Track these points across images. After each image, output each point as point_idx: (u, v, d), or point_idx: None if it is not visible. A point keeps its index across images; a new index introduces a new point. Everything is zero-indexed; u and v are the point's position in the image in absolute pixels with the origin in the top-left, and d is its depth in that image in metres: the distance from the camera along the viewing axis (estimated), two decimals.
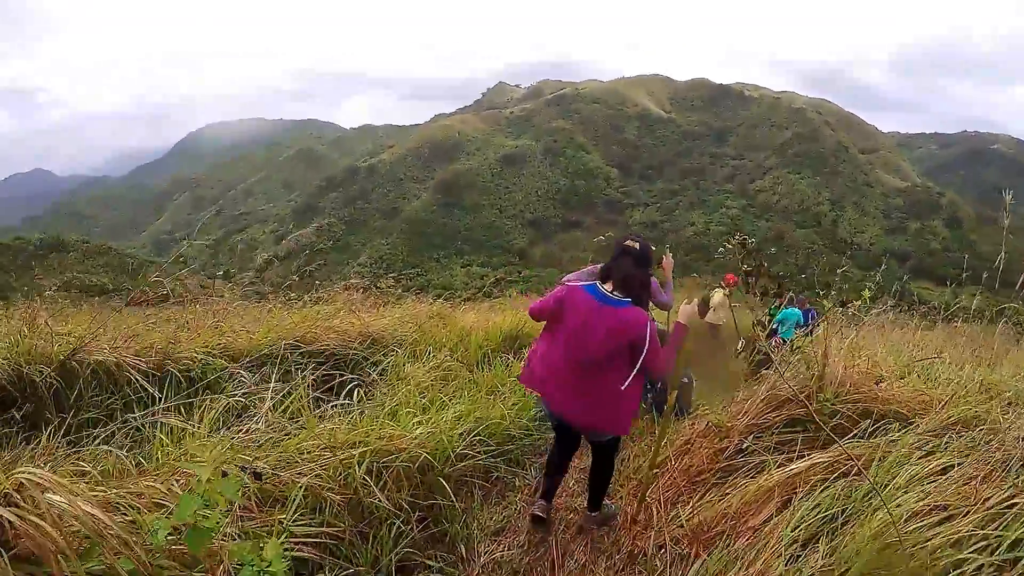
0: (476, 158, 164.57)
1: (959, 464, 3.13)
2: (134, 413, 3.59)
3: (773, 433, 4.22)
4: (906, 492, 2.97)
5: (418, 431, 3.84)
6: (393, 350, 5.64)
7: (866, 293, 4.61)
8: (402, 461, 3.56)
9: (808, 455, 3.67)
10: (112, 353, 3.94)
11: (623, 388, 3.50)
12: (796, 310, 12.27)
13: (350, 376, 4.46)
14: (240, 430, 3.44)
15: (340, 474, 3.26)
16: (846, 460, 3.36)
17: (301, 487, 3.02)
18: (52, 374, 3.73)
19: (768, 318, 12.44)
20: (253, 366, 4.59)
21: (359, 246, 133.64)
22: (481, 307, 10.61)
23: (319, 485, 3.10)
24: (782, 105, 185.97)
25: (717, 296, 12.24)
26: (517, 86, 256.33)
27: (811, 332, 12.08)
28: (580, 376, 3.55)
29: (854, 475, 3.25)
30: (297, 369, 4.51)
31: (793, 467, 3.57)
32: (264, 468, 2.99)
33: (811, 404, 4.05)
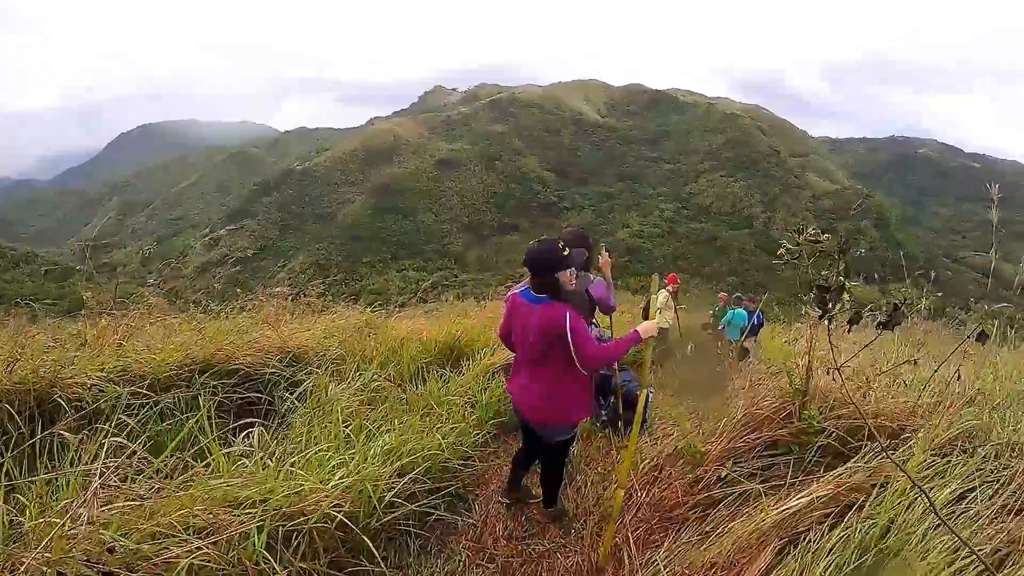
0: (412, 162, 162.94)
1: (977, 490, 2.86)
2: None
3: (754, 457, 3.81)
4: (924, 528, 2.62)
5: (336, 478, 3.25)
6: (317, 368, 5.08)
7: (846, 295, 4.09)
8: (316, 521, 2.96)
9: (798, 482, 3.31)
10: None
11: (559, 382, 3.74)
12: (742, 311, 12.12)
13: (265, 400, 3.86)
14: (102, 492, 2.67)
15: (236, 545, 2.64)
16: (849, 491, 3.00)
17: (180, 570, 2.40)
18: None
19: (712, 319, 12.12)
20: (157, 391, 4.02)
21: (293, 251, 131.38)
22: (416, 315, 9.77)
23: (204, 566, 2.48)
24: (716, 111, 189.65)
25: (661, 297, 11.62)
26: (454, 90, 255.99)
27: (756, 332, 11.94)
28: (530, 374, 3.86)
29: (857, 508, 2.87)
30: (207, 393, 3.97)
31: (790, 504, 3.08)
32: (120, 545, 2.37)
33: (794, 423, 3.76)
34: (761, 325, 12.27)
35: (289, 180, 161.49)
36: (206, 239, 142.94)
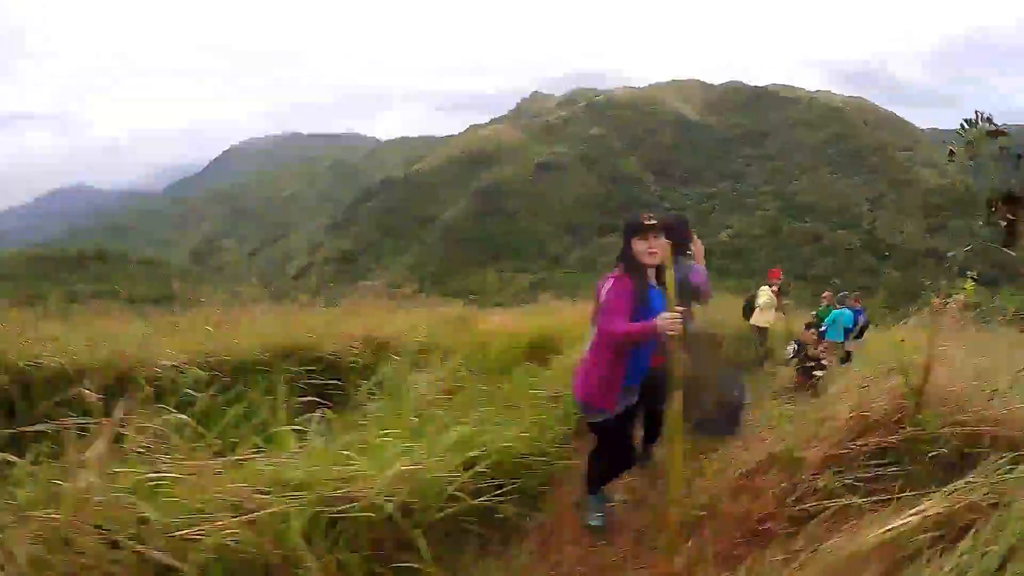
0: (512, 166, 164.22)
1: None
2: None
3: (859, 466, 3.35)
4: None
5: (393, 467, 2.98)
6: (400, 358, 5.01)
7: (969, 286, 3.73)
8: (363, 510, 2.74)
9: (907, 498, 2.82)
10: (69, 360, 3.48)
11: (588, 359, 3.67)
12: (846, 310, 11.51)
13: (344, 387, 3.90)
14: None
15: (270, 528, 2.45)
16: (966, 511, 2.55)
17: (205, 549, 2.24)
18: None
19: (816, 320, 11.71)
20: (237, 374, 4.06)
21: (394, 254, 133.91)
22: (511, 312, 9.62)
23: (232, 546, 2.31)
24: (818, 104, 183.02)
25: (764, 296, 10.93)
26: (551, 95, 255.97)
27: (861, 334, 11.46)
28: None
29: (974, 532, 2.38)
30: (286, 378, 4.01)
31: (895, 523, 2.60)
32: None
33: (906, 428, 3.33)
34: (866, 327, 11.73)
35: (390, 187, 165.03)
36: (311, 243, 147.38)
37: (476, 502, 3.35)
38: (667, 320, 3.10)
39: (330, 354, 4.67)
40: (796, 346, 9.08)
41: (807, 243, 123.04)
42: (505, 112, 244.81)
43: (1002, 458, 2.84)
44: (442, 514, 3.12)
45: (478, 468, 3.47)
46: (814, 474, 3.38)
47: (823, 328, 10.76)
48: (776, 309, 10.91)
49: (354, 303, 6.45)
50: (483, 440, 3.76)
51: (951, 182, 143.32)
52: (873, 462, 3.31)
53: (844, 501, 3.04)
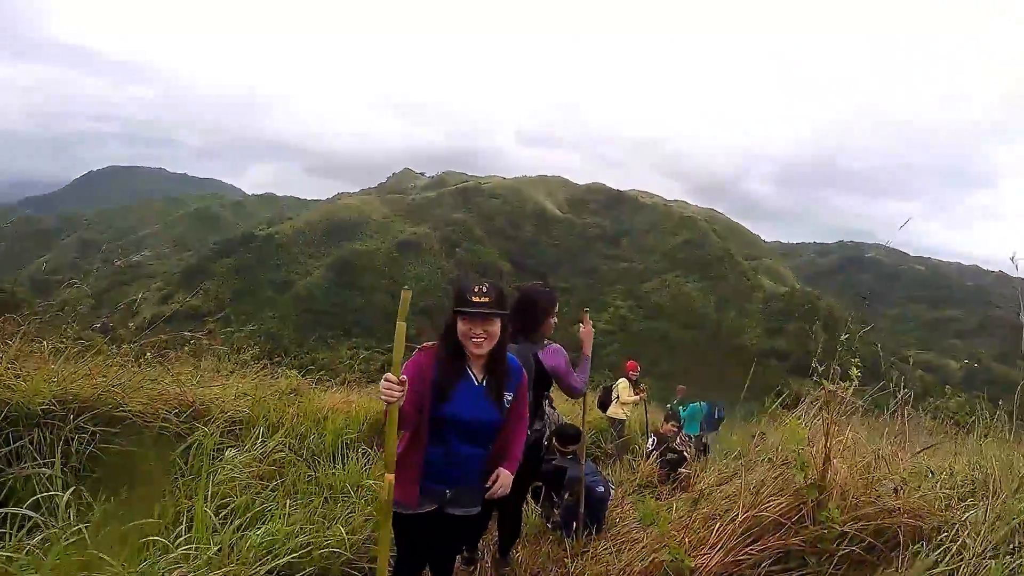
0: (375, 240, 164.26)
1: None
2: None
3: (761, 574, 3.04)
4: None
5: None
6: (224, 428, 4.49)
7: (854, 371, 3.49)
8: None
9: None
10: None
11: None
12: (703, 404, 11.89)
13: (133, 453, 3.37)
14: None
15: None
16: None
17: None
18: None
19: (671, 413, 11.88)
20: (20, 426, 3.44)
21: (246, 317, 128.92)
22: (357, 391, 8.93)
23: None
24: (673, 213, 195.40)
25: (623, 387, 10.86)
26: (422, 174, 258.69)
27: (716, 427, 11.69)
28: None
29: None
30: (81, 439, 3.54)
31: None
32: None
33: (808, 528, 3.04)
34: (721, 420, 11.95)
35: (251, 244, 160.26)
36: (161, 292, 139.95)
37: None
38: (384, 384, 2.55)
39: (135, 414, 3.98)
40: (654, 439, 9.04)
41: (656, 341, 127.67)
42: (375, 184, 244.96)
43: (916, 551, 2.72)
44: None
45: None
46: None
47: (681, 422, 10.86)
48: (638, 398, 10.93)
49: (177, 360, 5.79)
50: (298, 542, 3.27)
51: (791, 290, 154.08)
52: (776, 568, 3.05)
53: None
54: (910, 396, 3.96)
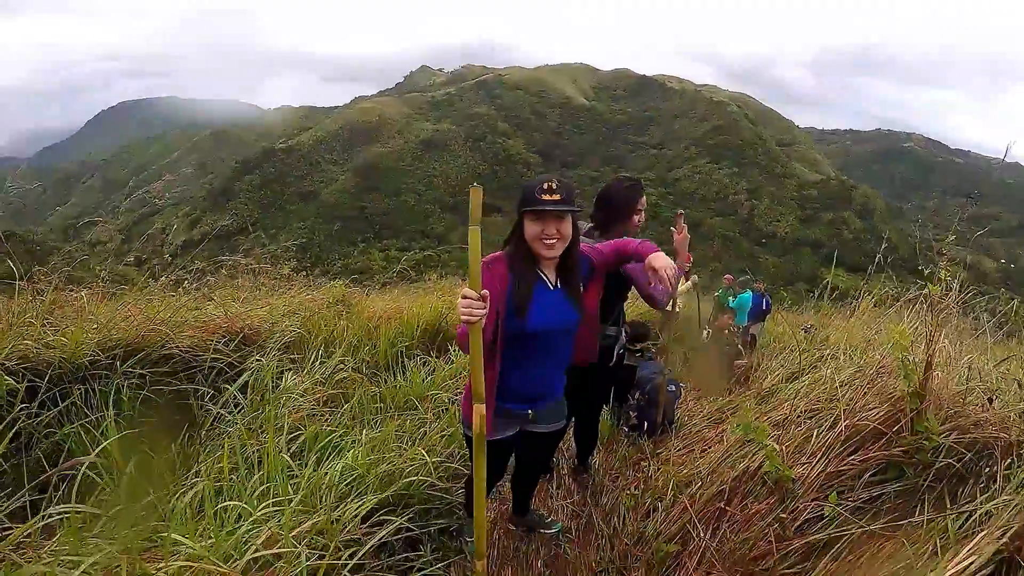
0: (397, 142, 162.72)
1: None
2: None
3: (861, 485, 2.78)
4: None
5: (250, 547, 2.13)
6: (273, 351, 4.19)
7: (944, 274, 3.05)
8: None
9: (922, 519, 2.34)
10: None
11: None
12: (750, 294, 11.59)
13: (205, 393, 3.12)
14: None
15: None
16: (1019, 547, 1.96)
17: None
18: None
19: (717, 303, 11.55)
20: (67, 382, 3.24)
21: (275, 230, 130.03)
22: (398, 293, 8.55)
23: None
24: (703, 97, 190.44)
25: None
26: (440, 70, 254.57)
27: (763, 318, 11.39)
28: None
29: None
30: (130, 384, 3.29)
31: (951, 568, 1.94)
32: None
33: (906, 436, 2.80)
34: (768, 310, 11.70)
35: (272, 159, 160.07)
36: (189, 218, 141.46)
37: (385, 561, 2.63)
38: (462, 302, 2.19)
39: (184, 350, 3.76)
40: (709, 333, 8.69)
41: (687, 228, 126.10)
42: (392, 85, 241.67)
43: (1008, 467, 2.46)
44: None
45: (382, 515, 2.72)
46: (813, 498, 2.80)
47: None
48: (690, 286, 10.63)
49: (216, 285, 5.52)
50: (380, 470, 3.00)
51: (826, 178, 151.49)
52: (875, 478, 2.83)
53: (856, 528, 2.48)
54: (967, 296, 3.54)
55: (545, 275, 2.64)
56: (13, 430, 2.72)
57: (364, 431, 3.43)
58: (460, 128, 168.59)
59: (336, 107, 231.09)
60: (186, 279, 5.21)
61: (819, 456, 2.99)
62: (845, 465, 2.89)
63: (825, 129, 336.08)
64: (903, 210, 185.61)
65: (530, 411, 2.76)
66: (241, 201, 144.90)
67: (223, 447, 2.81)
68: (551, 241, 2.50)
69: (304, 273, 7.47)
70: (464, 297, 2.16)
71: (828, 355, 4.74)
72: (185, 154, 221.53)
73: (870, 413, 3.02)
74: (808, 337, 8.67)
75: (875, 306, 5.72)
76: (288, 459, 2.82)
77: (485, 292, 2.17)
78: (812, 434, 3.19)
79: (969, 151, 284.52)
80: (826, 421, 3.22)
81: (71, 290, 4.34)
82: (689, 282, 10.58)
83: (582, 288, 2.71)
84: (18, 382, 3.01)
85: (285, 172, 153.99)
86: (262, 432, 3.16)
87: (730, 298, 11.59)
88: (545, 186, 2.47)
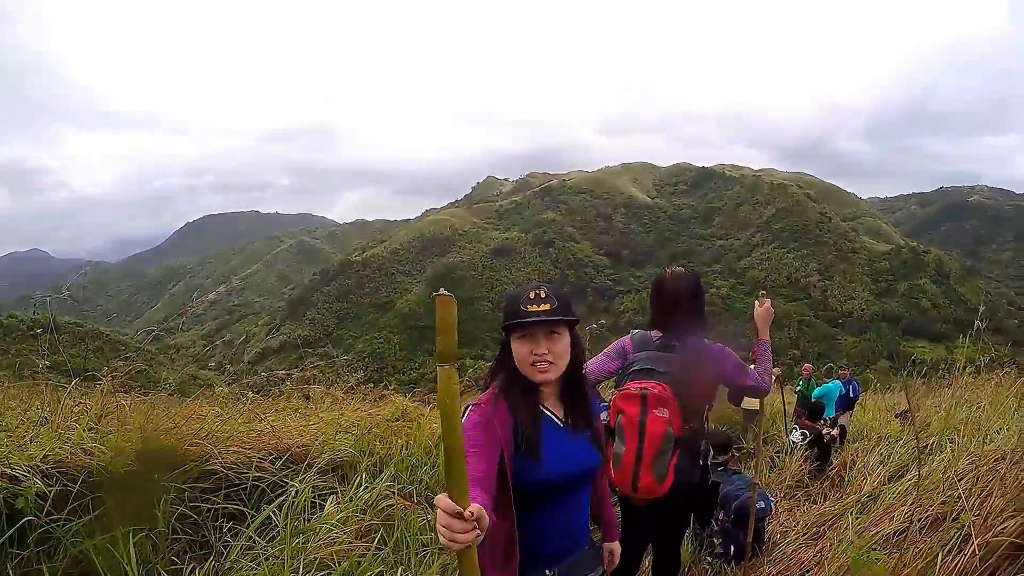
0: (467, 251, 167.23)
1: None
2: None
3: None
4: None
5: None
6: (321, 472, 3.91)
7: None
8: None
9: None
10: None
11: None
12: (836, 382, 10.65)
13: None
14: None
15: None
16: None
17: None
18: None
19: (799, 397, 10.87)
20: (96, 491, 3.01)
21: (351, 339, 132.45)
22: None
23: None
24: (763, 182, 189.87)
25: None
26: (506, 179, 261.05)
27: (851, 407, 10.50)
28: None
29: None
30: (169, 498, 3.22)
31: None
32: None
33: None
34: (856, 397, 10.79)
35: (348, 270, 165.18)
36: (268, 327, 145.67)
37: None
38: (441, 518, 1.32)
39: (227, 466, 3.59)
40: (804, 432, 7.85)
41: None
42: (460, 196, 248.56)
43: None
44: None
45: None
46: None
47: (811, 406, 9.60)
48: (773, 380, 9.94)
49: (268, 401, 5.43)
50: None
51: (895, 247, 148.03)
52: None
53: None
54: None
55: (548, 409, 2.13)
56: (35, 534, 2.68)
57: (402, 570, 3.13)
58: (528, 235, 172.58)
59: (408, 219, 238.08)
60: (248, 392, 5.21)
61: None
62: None
63: (889, 196, 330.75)
64: (977, 267, 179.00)
65: (553, 571, 2.10)
66: (319, 311, 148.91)
67: None
68: (544, 363, 2.01)
69: (371, 384, 7.34)
70: (442, 512, 1.31)
71: (933, 443, 4.32)
72: (267, 265, 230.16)
73: (1007, 524, 2.43)
74: (904, 424, 8.01)
75: (972, 375, 5.37)
76: None
77: (474, 508, 1.32)
78: (936, 557, 2.60)
79: None
80: (950, 535, 2.67)
81: (122, 393, 4.29)
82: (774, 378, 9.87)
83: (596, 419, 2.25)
84: (50, 486, 2.90)
85: (361, 283, 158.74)
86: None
87: (813, 390, 10.88)
88: (531, 295, 2.01)
